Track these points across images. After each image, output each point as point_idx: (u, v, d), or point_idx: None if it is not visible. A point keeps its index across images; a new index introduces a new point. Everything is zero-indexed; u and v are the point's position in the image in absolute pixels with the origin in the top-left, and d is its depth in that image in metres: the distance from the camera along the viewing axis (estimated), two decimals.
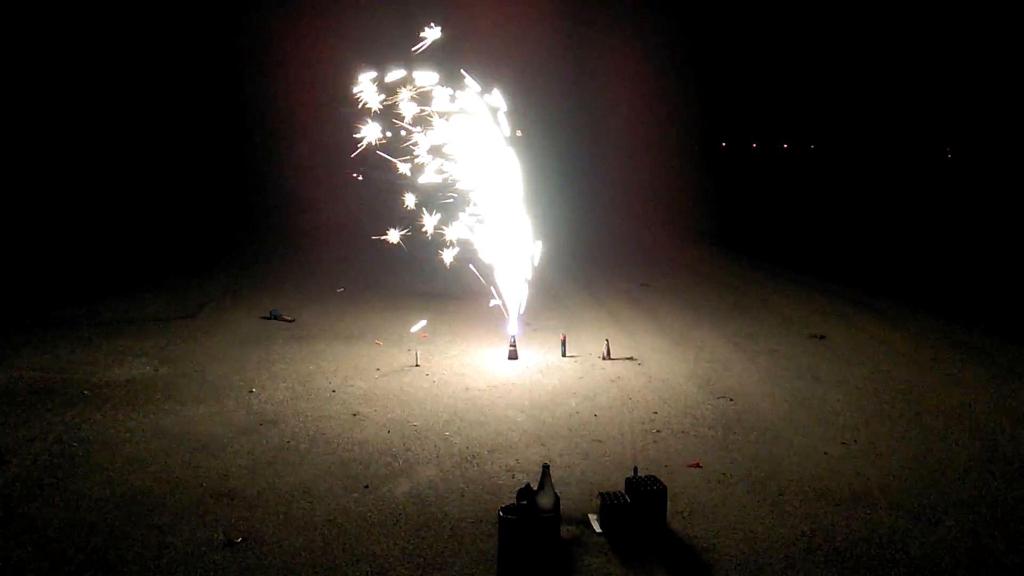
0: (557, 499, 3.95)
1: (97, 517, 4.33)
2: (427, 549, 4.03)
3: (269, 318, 9.28)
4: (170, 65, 20.54)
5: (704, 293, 11.24)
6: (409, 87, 7.25)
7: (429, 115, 7.43)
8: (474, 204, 7.69)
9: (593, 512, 4.38)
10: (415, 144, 7.54)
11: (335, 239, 16.43)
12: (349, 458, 5.20)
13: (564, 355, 7.73)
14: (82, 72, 18.93)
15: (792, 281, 12.22)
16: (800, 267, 13.60)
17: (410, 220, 7.64)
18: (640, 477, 4.32)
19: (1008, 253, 14.63)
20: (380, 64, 7.27)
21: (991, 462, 5.18)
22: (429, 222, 7.55)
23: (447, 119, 7.46)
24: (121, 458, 5.15)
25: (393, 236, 7.69)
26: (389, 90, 7.31)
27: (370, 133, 7.28)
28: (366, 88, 7.24)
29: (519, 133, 8.08)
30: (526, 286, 7.95)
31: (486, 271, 7.95)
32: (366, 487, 4.75)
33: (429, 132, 7.51)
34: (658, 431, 5.74)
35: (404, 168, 7.55)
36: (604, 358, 7.60)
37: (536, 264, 7.86)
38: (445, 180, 7.64)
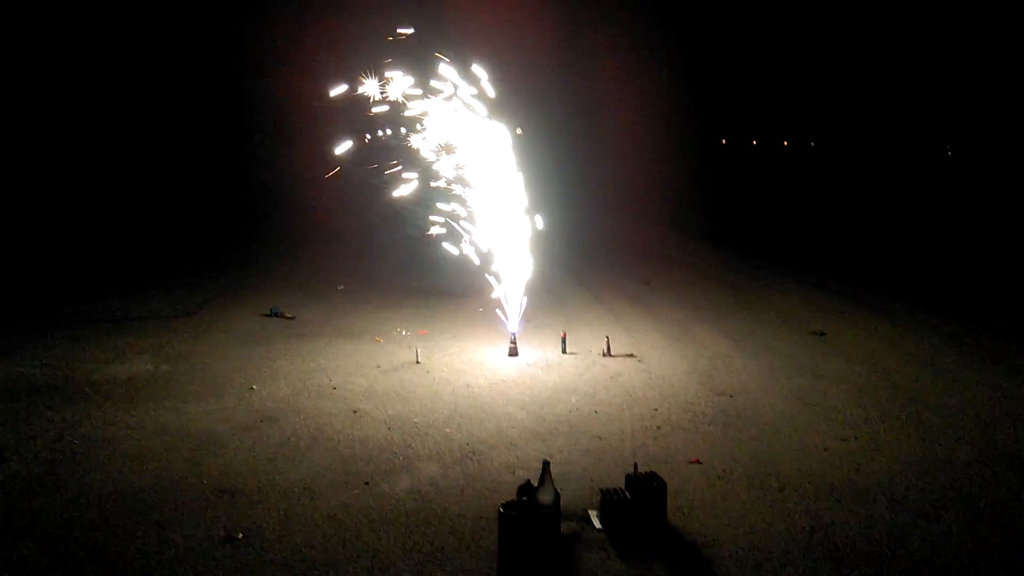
0: (557, 495, 3.96)
1: (98, 514, 4.34)
2: (427, 545, 4.04)
3: (270, 315, 9.29)
4: (169, 63, 20.52)
5: (704, 290, 11.24)
6: (383, 83, 7.26)
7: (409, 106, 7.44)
8: (464, 193, 7.68)
9: (593, 508, 4.38)
10: (406, 139, 7.55)
11: (334, 237, 16.42)
12: (350, 455, 5.21)
13: (564, 352, 7.74)
14: (82, 71, 18.92)
15: (792, 279, 12.22)
16: (800, 265, 13.61)
17: (399, 216, 7.65)
18: (640, 473, 4.33)
19: (1008, 251, 14.63)
20: (376, 62, 7.29)
21: (990, 458, 5.18)
22: (411, 212, 7.55)
23: (425, 100, 7.45)
24: (122, 455, 5.16)
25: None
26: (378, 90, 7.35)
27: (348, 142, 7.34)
28: (368, 85, 7.26)
29: (519, 131, 8.06)
30: (525, 283, 7.96)
31: (485, 267, 7.95)
32: (367, 483, 4.76)
33: (420, 128, 7.52)
34: (658, 427, 5.75)
35: (383, 172, 7.59)
36: (604, 355, 7.61)
37: (542, 228, 7.78)
38: (427, 167, 7.64)
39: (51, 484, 4.71)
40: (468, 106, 7.44)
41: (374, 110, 7.35)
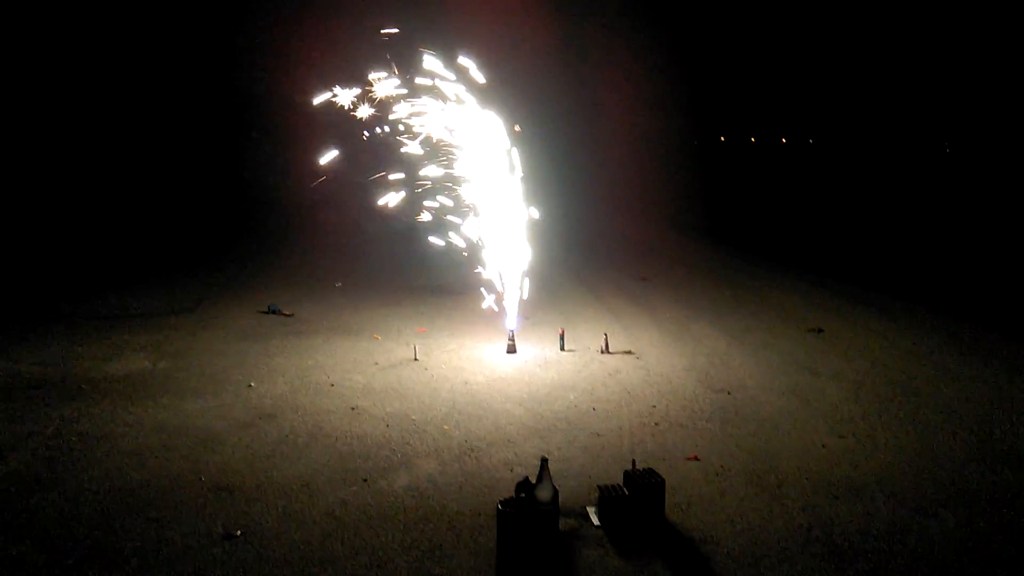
0: (555, 492, 3.96)
1: (96, 511, 4.34)
2: (426, 542, 4.04)
3: (267, 313, 9.28)
4: (168, 62, 20.50)
5: (702, 288, 11.24)
6: (367, 87, 7.28)
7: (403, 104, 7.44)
8: (458, 187, 7.67)
9: (591, 505, 4.39)
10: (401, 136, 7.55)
11: (332, 235, 16.41)
12: (348, 452, 5.20)
13: (562, 349, 7.74)
14: (80, 68, 18.89)
15: (790, 276, 12.23)
16: (798, 262, 13.61)
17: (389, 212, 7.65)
18: (638, 470, 4.33)
19: (1006, 248, 14.65)
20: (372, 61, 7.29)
21: (988, 455, 5.19)
22: (394, 199, 7.55)
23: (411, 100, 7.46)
24: (120, 452, 5.15)
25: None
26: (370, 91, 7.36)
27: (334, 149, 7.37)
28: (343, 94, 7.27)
29: (517, 128, 8.05)
30: (525, 279, 7.96)
31: (478, 260, 7.94)
32: (365, 480, 4.76)
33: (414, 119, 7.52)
34: (656, 424, 5.75)
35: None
36: (602, 352, 7.61)
37: (537, 218, 7.77)
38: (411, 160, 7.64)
39: (49, 481, 4.71)
40: (457, 97, 7.42)
41: (359, 114, 7.35)
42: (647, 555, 3.94)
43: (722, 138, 37.75)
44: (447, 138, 7.56)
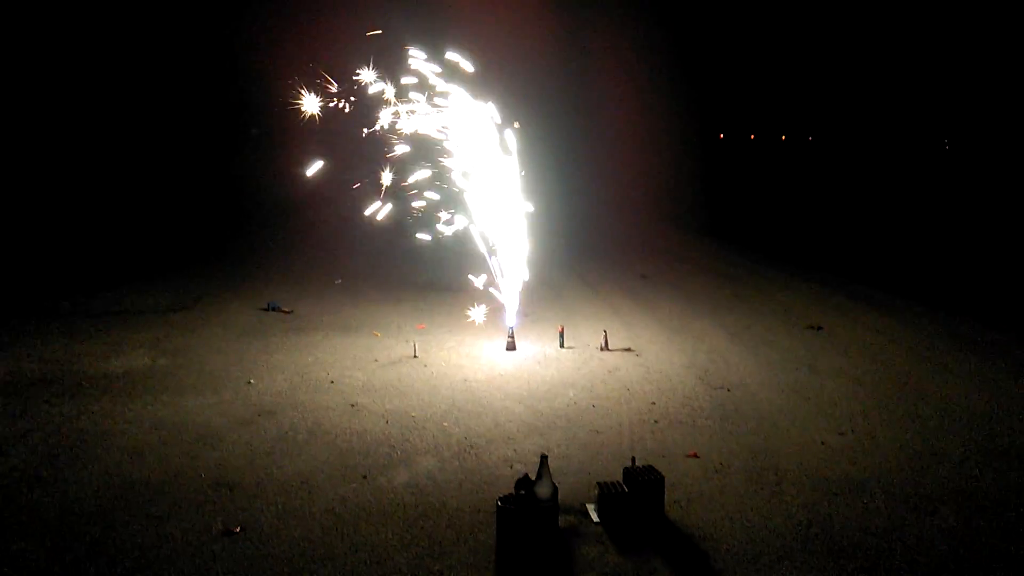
0: (555, 489, 3.96)
1: (95, 508, 4.34)
2: (425, 539, 4.04)
3: (267, 310, 9.28)
4: (168, 61, 20.50)
5: (702, 285, 11.25)
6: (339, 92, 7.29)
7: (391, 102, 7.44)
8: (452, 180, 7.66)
9: (591, 502, 4.39)
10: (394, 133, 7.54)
11: (330, 233, 16.40)
12: (347, 448, 5.21)
13: (562, 346, 7.74)
14: (80, 67, 18.89)
15: (789, 273, 12.23)
16: (798, 259, 13.61)
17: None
18: (638, 467, 4.33)
19: (1005, 245, 14.65)
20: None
21: (987, 453, 5.20)
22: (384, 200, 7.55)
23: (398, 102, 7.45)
24: (119, 449, 5.15)
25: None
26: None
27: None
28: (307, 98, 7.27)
29: (516, 125, 8.03)
30: (524, 276, 7.95)
31: (481, 260, 7.94)
32: (364, 477, 4.76)
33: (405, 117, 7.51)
34: (656, 421, 5.76)
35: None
36: (602, 349, 7.62)
37: (532, 211, 7.76)
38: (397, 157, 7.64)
39: (48, 478, 4.71)
40: (445, 93, 7.41)
41: (359, 114, 7.35)
42: (646, 552, 3.95)
43: (721, 135, 37.71)
44: (435, 135, 7.54)
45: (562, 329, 7.89)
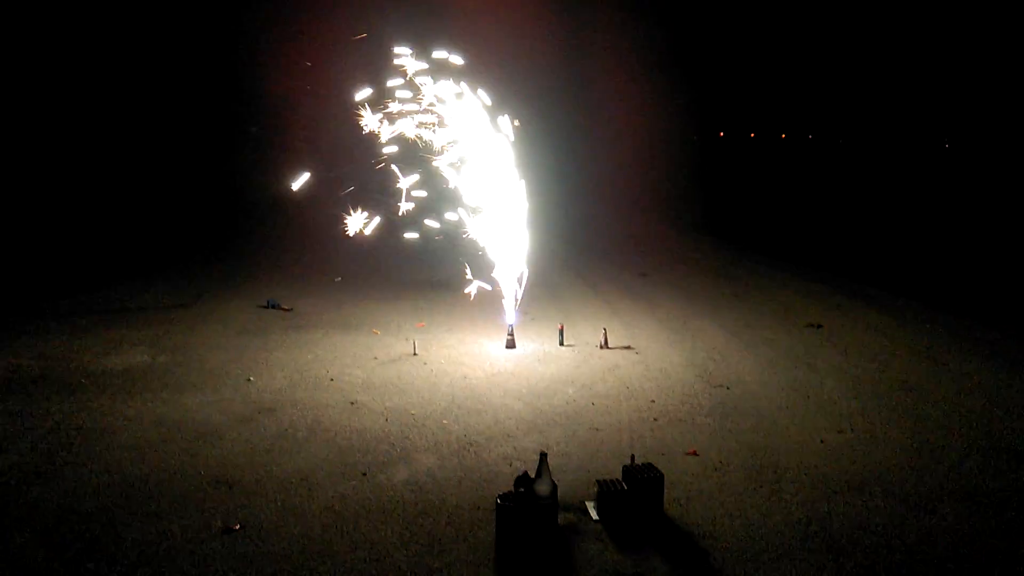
0: (554, 486, 3.97)
1: (95, 505, 4.34)
2: (425, 536, 4.04)
3: (266, 307, 9.28)
4: (168, 59, 20.50)
5: (701, 283, 11.25)
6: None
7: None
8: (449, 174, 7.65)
9: (590, 499, 4.39)
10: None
11: (328, 230, 16.38)
12: (347, 446, 5.21)
13: (562, 344, 7.74)
14: (81, 66, 18.89)
15: (789, 271, 12.23)
16: (797, 258, 13.61)
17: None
18: (637, 465, 4.33)
19: (1005, 244, 14.65)
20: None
21: (986, 451, 5.20)
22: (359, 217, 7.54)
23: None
24: (119, 446, 5.15)
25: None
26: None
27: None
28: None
29: (516, 123, 8.01)
30: (523, 273, 7.95)
31: (479, 258, 7.93)
32: (364, 475, 4.76)
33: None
34: (655, 419, 5.76)
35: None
36: (602, 347, 7.62)
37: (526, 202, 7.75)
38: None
39: (48, 475, 4.71)
40: (436, 97, 7.41)
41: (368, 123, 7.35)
42: (646, 549, 3.95)
43: (721, 134, 37.70)
44: (425, 135, 7.53)
45: (562, 327, 7.89)
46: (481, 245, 7.76)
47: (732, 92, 34.27)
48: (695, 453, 5.13)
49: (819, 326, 8.57)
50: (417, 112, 7.47)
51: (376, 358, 7.29)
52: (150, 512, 4.25)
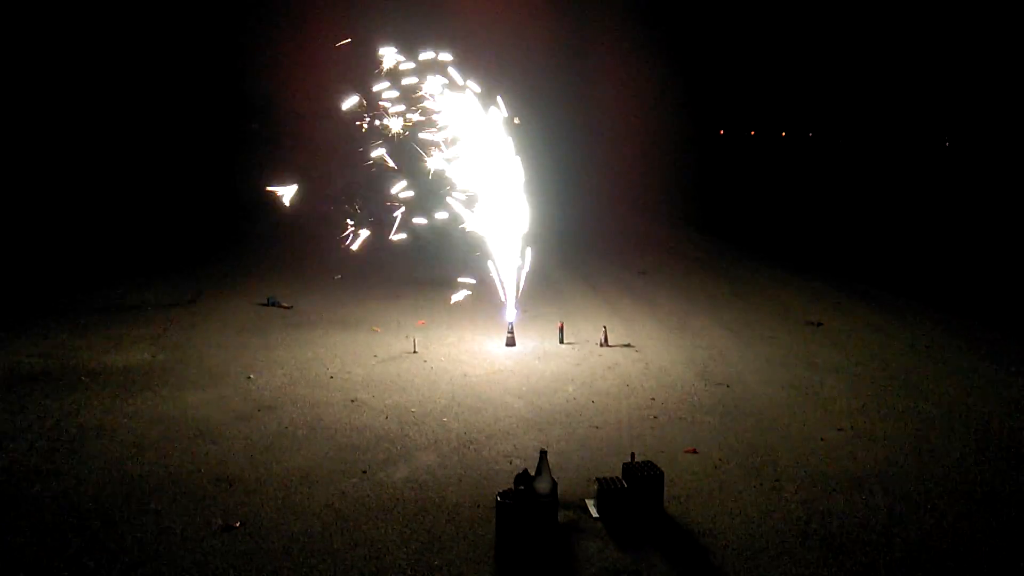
0: (554, 484, 3.97)
1: (95, 502, 4.34)
2: (425, 534, 4.05)
3: (266, 305, 9.28)
4: (169, 59, 20.54)
5: (701, 281, 11.25)
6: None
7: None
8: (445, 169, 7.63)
9: (590, 497, 4.39)
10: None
11: (328, 228, 16.38)
12: (347, 444, 5.21)
13: (562, 342, 7.74)
14: (82, 65, 18.91)
15: (789, 270, 12.23)
16: (797, 256, 13.61)
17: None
18: (637, 462, 4.34)
19: (1005, 243, 14.65)
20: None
21: (986, 449, 5.21)
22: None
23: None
24: (119, 444, 5.16)
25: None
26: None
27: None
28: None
29: (516, 120, 8.01)
30: (523, 272, 7.94)
31: (478, 255, 7.93)
32: (364, 472, 4.77)
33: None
34: (655, 417, 5.76)
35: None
36: (601, 345, 7.62)
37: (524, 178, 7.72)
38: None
39: (48, 472, 4.71)
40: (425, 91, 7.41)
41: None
42: (645, 547, 3.95)
43: (721, 132, 37.69)
44: (424, 135, 7.53)
45: (561, 325, 7.89)
46: (480, 234, 7.72)
47: (733, 90, 34.27)
48: (695, 451, 5.13)
49: (819, 324, 8.57)
50: (412, 110, 7.46)
51: (376, 356, 7.29)
52: (150, 510, 4.25)
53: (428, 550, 3.89)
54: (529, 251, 7.82)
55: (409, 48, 7.36)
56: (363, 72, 7.31)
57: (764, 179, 26.60)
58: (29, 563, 3.76)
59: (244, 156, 21.06)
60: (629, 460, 4.38)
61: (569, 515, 4.24)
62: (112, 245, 13.61)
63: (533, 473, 3.95)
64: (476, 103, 7.44)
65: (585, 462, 4.93)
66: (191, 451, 5.06)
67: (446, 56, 7.39)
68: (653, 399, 6.14)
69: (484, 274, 8.06)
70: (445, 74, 7.36)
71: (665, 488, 4.29)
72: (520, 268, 7.84)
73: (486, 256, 7.85)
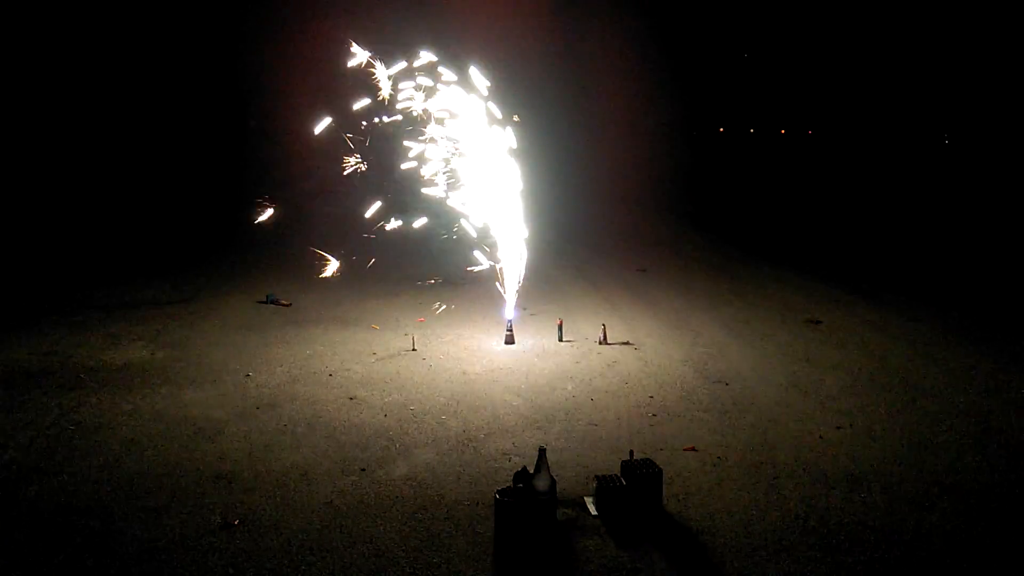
0: (553, 482, 3.97)
1: (94, 500, 4.34)
2: (424, 531, 4.05)
3: (265, 302, 9.28)
4: (168, 56, 20.51)
5: (701, 279, 11.24)
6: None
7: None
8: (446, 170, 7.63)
9: (589, 495, 4.40)
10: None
11: (327, 227, 16.37)
12: (346, 441, 5.21)
13: (561, 340, 7.74)
14: (80, 63, 18.90)
15: (788, 267, 12.23)
16: (796, 253, 13.61)
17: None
18: (636, 460, 4.34)
19: (1004, 240, 14.65)
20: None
21: (985, 447, 5.21)
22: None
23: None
24: (118, 441, 5.16)
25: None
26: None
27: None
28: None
29: (516, 118, 8.00)
30: (522, 268, 7.94)
31: (478, 253, 7.92)
32: (363, 470, 4.77)
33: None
34: (654, 415, 5.76)
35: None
36: (601, 343, 7.62)
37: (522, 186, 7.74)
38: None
39: (47, 470, 4.71)
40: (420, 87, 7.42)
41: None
42: (644, 545, 3.96)
43: (721, 129, 37.66)
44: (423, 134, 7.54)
45: (561, 323, 7.89)
46: (479, 227, 7.72)
47: (732, 88, 34.25)
48: (694, 449, 5.13)
49: (818, 322, 8.58)
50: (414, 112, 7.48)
51: (375, 354, 7.29)
52: (149, 507, 4.26)
53: (427, 548, 3.90)
54: (526, 249, 7.82)
55: (409, 48, 7.36)
56: (363, 73, 7.31)
57: (764, 177, 26.59)
58: (28, 561, 3.76)
59: (243, 154, 21.05)
60: (628, 458, 4.38)
61: (568, 513, 4.24)
62: (111, 243, 13.60)
63: (532, 471, 3.95)
64: (480, 104, 7.45)
65: (584, 460, 4.93)
66: (190, 449, 5.06)
67: (429, 55, 7.39)
68: (652, 397, 6.14)
69: (485, 273, 8.05)
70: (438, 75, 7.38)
71: (664, 486, 4.30)
72: (519, 262, 7.83)
73: (485, 253, 7.84)
